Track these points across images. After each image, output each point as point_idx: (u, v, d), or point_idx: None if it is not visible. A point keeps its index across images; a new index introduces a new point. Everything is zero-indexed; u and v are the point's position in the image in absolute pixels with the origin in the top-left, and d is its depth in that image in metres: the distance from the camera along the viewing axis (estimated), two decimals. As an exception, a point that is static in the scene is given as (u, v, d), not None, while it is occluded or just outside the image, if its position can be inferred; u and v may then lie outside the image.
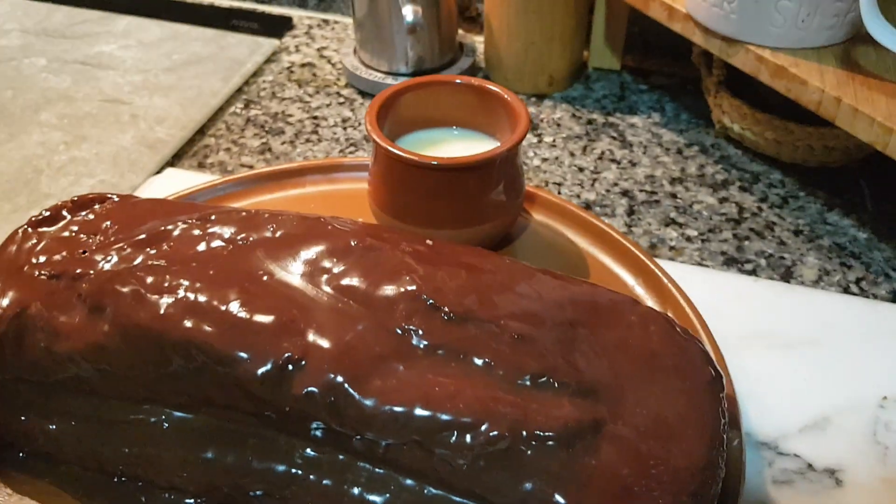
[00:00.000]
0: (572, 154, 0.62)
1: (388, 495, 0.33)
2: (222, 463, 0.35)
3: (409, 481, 0.33)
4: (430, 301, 0.34)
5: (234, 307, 0.34)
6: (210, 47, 0.73)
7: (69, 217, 0.42)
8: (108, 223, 0.41)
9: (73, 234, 0.40)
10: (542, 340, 0.34)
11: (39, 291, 0.37)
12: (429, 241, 0.39)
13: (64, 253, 0.39)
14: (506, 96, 0.46)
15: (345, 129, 0.65)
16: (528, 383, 0.33)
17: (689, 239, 0.54)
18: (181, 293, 0.34)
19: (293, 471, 0.34)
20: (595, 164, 0.61)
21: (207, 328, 0.33)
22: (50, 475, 0.37)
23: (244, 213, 0.40)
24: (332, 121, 0.65)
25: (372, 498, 0.33)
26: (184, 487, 0.35)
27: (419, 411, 0.31)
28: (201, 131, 0.64)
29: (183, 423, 0.35)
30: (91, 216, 0.42)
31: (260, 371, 0.32)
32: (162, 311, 0.34)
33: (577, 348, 0.35)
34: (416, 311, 0.34)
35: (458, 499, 0.32)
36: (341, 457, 0.33)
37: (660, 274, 0.45)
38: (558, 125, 0.65)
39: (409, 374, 0.32)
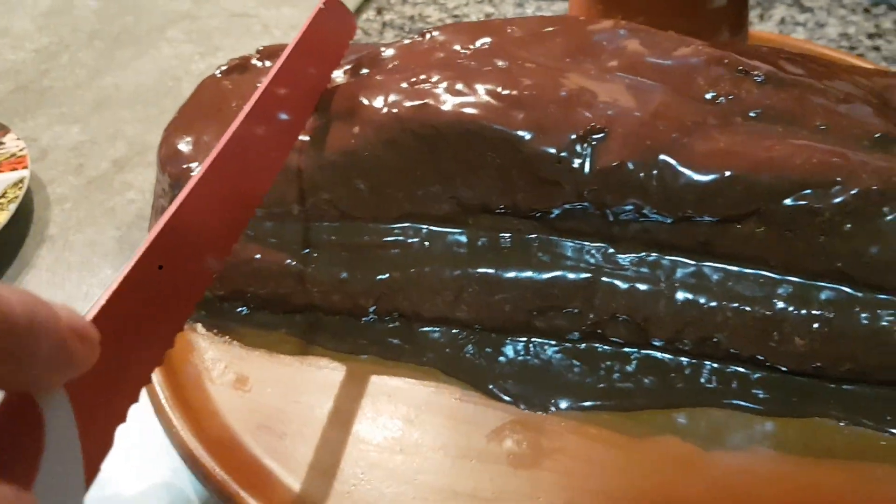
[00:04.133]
0: (750, 22, 0.56)
1: (717, 291, 0.27)
2: (499, 279, 0.29)
3: (745, 270, 0.27)
4: (739, 67, 0.29)
5: (507, 86, 0.28)
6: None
7: (261, 65, 0.37)
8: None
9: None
10: (871, 108, 0.29)
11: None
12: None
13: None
14: None
15: (491, 22, 0.60)
16: (873, 145, 0.27)
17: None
18: (437, 83, 0.29)
19: (584, 276, 0.28)
20: (779, 28, 0.55)
21: (481, 109, 0.28)
22: (284, 325, 0.32)
23: (467, 24, 0.34)
24: (475, 17, 0.61)
25: (699, 299, 0.27)
26: (452, 315, 0.30)
27: (763, 175, 0.26)
28: (337, 38, 0.60)
29: (448, 239, 0.30)
30: (282, 63, 0.37)
31: (555, 147, 0.27)
32: (422, 101, 0.29)
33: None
34: (721, 78, 0.29)
35: (805, 282, 0.27)
36: (653, 255, 0.28)
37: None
38: None
39: (735, 139, 0.27)
